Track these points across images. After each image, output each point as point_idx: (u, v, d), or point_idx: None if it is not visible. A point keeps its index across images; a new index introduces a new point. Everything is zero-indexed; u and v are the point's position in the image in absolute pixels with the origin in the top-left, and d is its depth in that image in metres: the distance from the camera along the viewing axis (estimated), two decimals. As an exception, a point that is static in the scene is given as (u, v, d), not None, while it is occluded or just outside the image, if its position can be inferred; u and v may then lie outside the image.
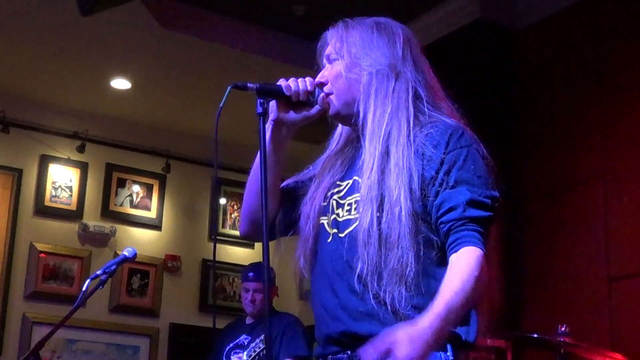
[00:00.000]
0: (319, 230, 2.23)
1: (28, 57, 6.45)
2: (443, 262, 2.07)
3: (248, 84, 2.16)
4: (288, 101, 2.22)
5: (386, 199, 2.07)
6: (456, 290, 1.95)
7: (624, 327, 4.76)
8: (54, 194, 7.13)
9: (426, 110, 2.22)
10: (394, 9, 5.78)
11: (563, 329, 3.76)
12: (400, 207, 2.05)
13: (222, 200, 7.84)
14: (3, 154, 6.97)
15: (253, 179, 2.28)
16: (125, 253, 3.48)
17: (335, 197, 2.23)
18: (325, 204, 2.23)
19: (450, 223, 2.04)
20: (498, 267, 5.29)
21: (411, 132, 2.13)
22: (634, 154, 4.92)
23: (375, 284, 2.03)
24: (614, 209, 4.95)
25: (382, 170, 2.09)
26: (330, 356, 2.15)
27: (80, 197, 7.23)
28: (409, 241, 2.04)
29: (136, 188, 7.51)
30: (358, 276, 2.05)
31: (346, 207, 2.18)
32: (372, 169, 2.10)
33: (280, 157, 2.29)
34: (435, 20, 5.85)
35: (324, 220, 2.22)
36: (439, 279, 2.03)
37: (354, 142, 2.30)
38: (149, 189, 7.58)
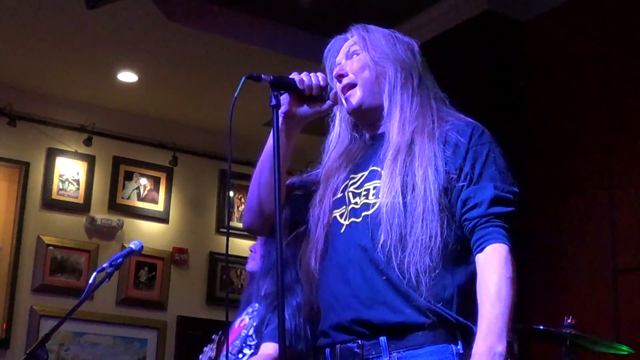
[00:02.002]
0: (331, 226, 2.22)
1: (35, 50, 6.45)
2: (460, 258, 2.09)
3: (262, 76, 2.16)
4: (300, 95, 2.23)
5: (410, 180, 2.08)
6: (494, 302, 2.01)
7: (629, 319, 4.75)
8: (61, 187, 7.14)
9: (446, 109, 2.25)
10: (401, 1, 5.79)
11: (569, 321, 3.76)
12: (426, 186, 2.07)
13: (230, 193, 7.84)
14: (10, 147, 6.98)
15: (260, 171, 2.28)
16: (132, 246, 3.47)
17: (350, 189, 2.22)
18: (338, 196, 2.23)
19: (475, 220, 2.07)
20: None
21: (435, 126, 2.15)
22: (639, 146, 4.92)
23: (399, 253, 2.03)
24: (620, 202, 4.94)
25: (408, 159, 2.10)
26: (339, 345, 2.13)
27: (87, 190, 7.24)
28: (435, 215, 2.05)
29: (143, 181, 7.52)
30: (382, 246, 2.05)
31: (363, 194, 2.17)
32: (396, 157, 2.11)
33: (289, 150, 2.29)
34: (442, 12, 5.83)
35: (337, 213, 2.22)
36: (453, 275, 2.06)
37: (359, 140, 2.31)
38: (156, 182, 7.59)
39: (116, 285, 7.13)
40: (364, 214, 2.14)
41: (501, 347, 1.96)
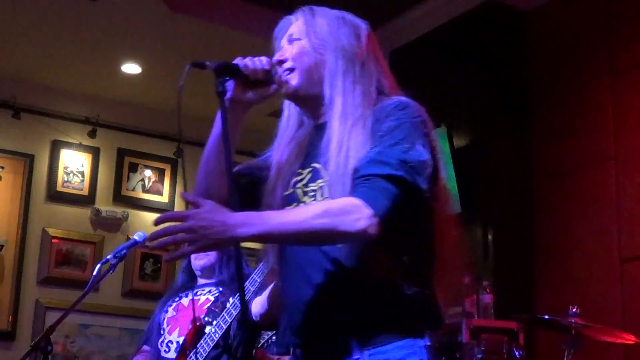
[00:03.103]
0: None
1: (38, 42, 6.45)
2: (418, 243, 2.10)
3: (207, 63, 2.14)
4: (245, 80, 2.19)
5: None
6: (293, 209, 2.01)
7: (635, 308, 4.75)
8: (65, 179, 7.15)
9: (386, 96, 2.21)
10: (403, -10, 5.78)
11: (574, 310, 3.75)
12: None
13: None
14: (15, 140, 6.99)
15: (206, 160, 2.26)
16: (136, 237, 3.48)
17: (299, 185, 2.20)
18: (289, 192, 2.21)
19: (354, 183, 2.00)
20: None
21: (369, 119, 2.11)
22: (646, 134, 4.91)
23: (356, 251, 2.01)
24: (626, 190, 4.93)
25: (348, 151, 2.07)
26: (309, 346, 2.13)
27: (92, 182, 7.25)
28: None
29: (148, 173, 7.53)
30: (339, 247, 2.03)
31: (311, 194, 2.16)
32: (340, 150, 2.08)
33: (235, 136, 2.25)
34: (446, 1, 5.82)
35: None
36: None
37: (307, 125, 2.29)
38: (160, 173, 7.60)
39: (121, 277, 7.15)
40: None
41: (239, 234, 1.89)
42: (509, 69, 5.60)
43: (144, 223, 7.30)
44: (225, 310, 3.79)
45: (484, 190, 5.37)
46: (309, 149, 2.23)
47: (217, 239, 1.89)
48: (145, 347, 4.27)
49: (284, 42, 2.28)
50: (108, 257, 3.35)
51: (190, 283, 4.21)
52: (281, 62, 2.22)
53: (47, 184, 7.08)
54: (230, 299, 3.85)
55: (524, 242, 5.32)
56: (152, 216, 7.40)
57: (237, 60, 2.19)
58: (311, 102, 2.23)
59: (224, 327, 3.75)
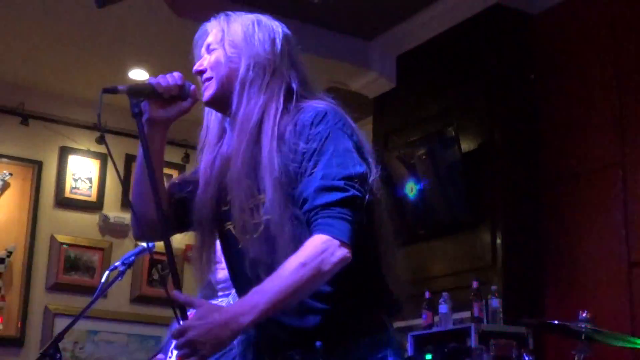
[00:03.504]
0: (226, 238, 2.23)
1: (45, 50, 6.46)
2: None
3: (118, 87, 2.15)
4: (160, 98, 2.21)
5: (259, 190, 2.09)
6: (272, 278, 1.95)
7: (645, 312, 4.74)
8: (74, 185, 7.16)
9: (295, 100, 2.19)
10: (410, -5, 5.79)
11: (584, 314, 3.74)
12: (271, 198, 2.06)
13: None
14: (23, 146, 7.00)
15: (137, 183, 2.26)
16: (144, 244, 3.48)
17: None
18: (226, 208, 2.20)
19: (306, 215, 2.03)
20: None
21: (277, 123, 2.12)
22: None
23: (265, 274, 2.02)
24: (633, 194, 4.92)
25: (251, 160, 2.10)
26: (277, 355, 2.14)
27: (100, 189, 7.26)
28: (288, 231, 2.04)
29: (156, 179, 7.52)
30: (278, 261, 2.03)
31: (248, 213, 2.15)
32: (240, 159, 2.11)
33: (160, 154, 2.28)
34: (452, 5, 5.82)
35: (230, 226, 2.20)
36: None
37: (230, 134, 2.28)
38: (168, 179, 7.55)
39: (129, 283, 7.15)
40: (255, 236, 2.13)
41: (240, 325, 1.91)
42: (516, 72, 5.60)
43: (152, 229, 7.29)
44: None
45: (491, 194, 5.36)
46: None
47: (220, 340, 1.91)
48: (160, 356, 4.27)
49: (203, 50, 2.31)
50: (116, 264, 3.35)
51: (211, 298, 4.21)
52: (200, 72, 2.25)
53: (56, 190, 7.09)
54: None
55: (533, 246, 5.31)
56: (160, 222, 7.42)
57: (150, 80, 2.21)
58: (225, 109, 2.24)
59: None
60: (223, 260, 4.05)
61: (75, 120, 7.21)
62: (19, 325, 6.71)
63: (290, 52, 2.26)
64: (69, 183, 7.13)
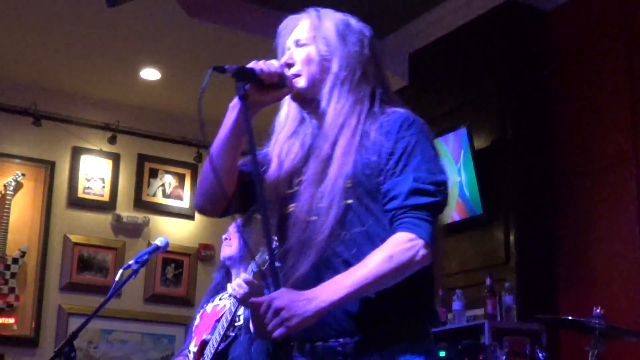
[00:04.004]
0: (288, 219, 2.25)
1: (57, 49, 6.48)
2: None
3: (226, 67, 2.19)
4: (260, 83, 2.23)
5: (325, 186, 2.14)
6: (357, 267, 2.02)
7: (659, 308, 4.72)
8: (86, 185, 7.18)
9: (379, 105, 2.26)
10: (422, -8, 5.78)
11: (598, 310, 3.74)
12: (335, 196, 2.12)
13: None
14: (35, 147, 7.03)
15: (214, 157, 2.27)
16: (157, 242, 3.48)
17: (300, 187, 2.25)
18: (292, 191, 2.25)
19: (393, 212, 2.11)
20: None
21: (361, 124, 2.20)
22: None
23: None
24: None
25: (328, 159, 2.16)
26: (319, 342, 2.16)
27: (112, 188, 7.28)
28: (373, 227, 2.12)
29: (168, 178, 7.55)
30: (345, 256, 2.10)
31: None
32: (321, 156, 2.18)
33: (243, 137, 2.29)
34: (464, 2, 5.81)
35: (292, 208, 2.24)
36: None
37: (309, 124, 2.34)
38: (181, 178, 7.62)
39: (143, 282, 7.17)
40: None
41: (324, 302, 1.98)
42: (529, 69, 5.59)
43: (165, 228, 7.32)
44: (223, 317, 3.80)
45: (505, 191, 5.35)
46: (310, 151, 2.29)
47: (305, 314, 1.97)
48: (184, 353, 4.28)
49: (290, 43, 2.33)
50: (130, 262, 3.35)
51: (224, 281, 4.19)
52: (289, 65, 2.28)
53: (68, 190, 7.12)
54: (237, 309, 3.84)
55: (546, 242, 5.30)
56: (173, 221, 7.44)
57: (252, 64, 2.23)
58: (314, 105, 2.28)
59: (222, 333, 3.76)
60: (233, 237, 4.08)
61: (88, 121, 7.24)
62: (33, 325, 6.74)
63: (376, 55, 2.33)
64: (81, 183, 7.16)
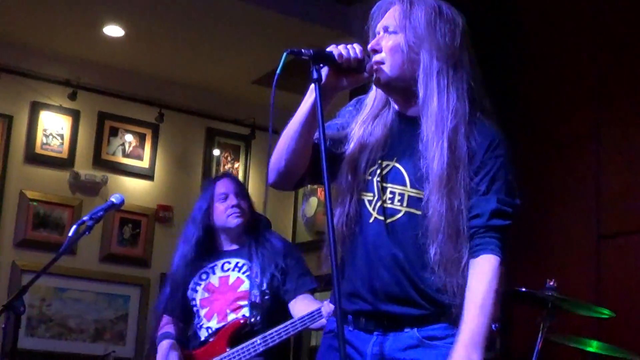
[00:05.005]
0: (361, 205, 2.31)
1: (18, 2, 6.36)
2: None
3: (303, 50, 2.20)
4: (337, 67, 2.25)
5: (450, 195, 2.20)
6: (478, 313, 2.16)
7: (611, 283, 4.78)
8: (45, 141, 7.09)
9: (476, 107, 2.32)
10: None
11: (551, 283, 3.78)
12: (461, 205, 2.21)
13: (216, 152, 7.79)
14: (-7, 100, 6.93)
15: (288, 139, 2.29)
16: (113, 199, 3.46)
17: (377, 177, 2.29)
18: (367, 178, 2.30)
19: (475, 229, 2.22)
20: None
21: (467, 127, 2.25)
22: (627, 112, 4.90)
23: (442, 273, 2.19)
24: (606, 167, 4.94)
25: (452, 165, 2.21)
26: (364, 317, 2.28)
27: (71, 145, 7.20)
28: (464, 234, 2.22)
29: (129, 137, 7.48)
30: (434, 262, 2.19)
31: (389, 195, 2.27)
32: (442, 159, 2.20)
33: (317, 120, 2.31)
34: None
35: (366, 197, 2.30)
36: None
37: (393, 109, 2.36)
38: (141, 138, 7.55)
39: (99, 241, 7.12)
40: (390, 220, 2.26)
41: (476, 357, 2.12)
42: (488, 37, 5.58)
43: (124, 188, 7.26)
44: (275, 330, 3.71)
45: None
46: (393, 139, 2.31)
47: None
48: (168, 318, 4.14)
49: (379, 28, 2.34)
50: (84, 218, 3.33)
51: (206, 242, 4.09)
52: (375, 51, 2.29)
53: (26, 145, 7.02)
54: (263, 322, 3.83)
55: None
56: (132, 181, 7.38)
57: (332, 48, 2.25)
58: (400, 94, 2.31)
59: (270, 344, 3.71)
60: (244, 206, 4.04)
61: (48, 76, 7.13)
62: (-15, 281, 6.68)
63: (468, 45, 2.34)
64: (39, 139, 7.07)
